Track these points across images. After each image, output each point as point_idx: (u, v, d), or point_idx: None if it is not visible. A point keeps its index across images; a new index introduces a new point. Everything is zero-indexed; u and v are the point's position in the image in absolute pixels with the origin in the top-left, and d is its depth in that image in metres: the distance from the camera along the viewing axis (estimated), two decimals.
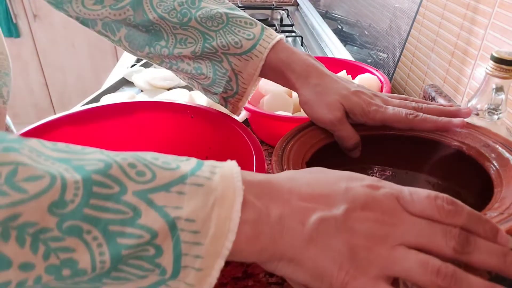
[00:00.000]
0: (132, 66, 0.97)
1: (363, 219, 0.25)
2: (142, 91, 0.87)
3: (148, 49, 0.48)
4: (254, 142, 0.47)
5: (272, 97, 0.68)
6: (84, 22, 0.49)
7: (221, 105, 0.52)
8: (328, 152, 0.43)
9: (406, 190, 0.27)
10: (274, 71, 0.47)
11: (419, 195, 0.26)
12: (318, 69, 0.45)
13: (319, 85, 0.44)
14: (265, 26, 0.47)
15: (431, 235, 0.25)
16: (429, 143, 0.41)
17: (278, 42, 0.46)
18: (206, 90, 0.51)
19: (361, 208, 0.26)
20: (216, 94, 0.50)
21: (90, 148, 0.23)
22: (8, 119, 0.58)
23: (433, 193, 0.26)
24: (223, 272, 0.44)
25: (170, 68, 0.51)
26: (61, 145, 0.23)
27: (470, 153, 0.38)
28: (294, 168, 0.37)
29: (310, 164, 0.39)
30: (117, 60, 1.58)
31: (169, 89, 0.84)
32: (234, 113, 0.52)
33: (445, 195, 0.26)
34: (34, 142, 0.22)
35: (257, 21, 0.47)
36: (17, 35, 1.88)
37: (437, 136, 0.41)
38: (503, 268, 0.25)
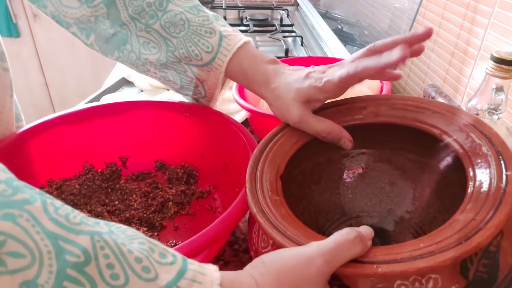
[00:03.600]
0: None
1: None
2: (142, 91, 0.87)
3: (118, 53, 0.50)
4: (249, 139, 0.48)
5: None
6: (59, 21, 0.50)
7: (195, 102, 0.55)
8: (303, 154, 0.42)
9: None
10: (238, 79, 0.49)
11: None
12: (275, 70, 0.45)
13: (277, 88, 0.44)
14: (223, 34, 0.47)
15: None
16: (404, 128, 0.40)
17: (237, 50, 0.47)
18: (178, 92, 0.54)
19: None
20: (187, 95, 0.53)
21: (89, 221, 0.23)
22: (20, 113, 0.58)
23: None
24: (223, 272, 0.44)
25: (141, 73, 0.53)
26: (64, 211, 0.23)
27: (442, 138, 0.37)
28: (268, 187, 0.36)
29: (285, 176, 0.38)
30: None
31: (169, 89, 0.84)
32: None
33: None
34: (38, 205, 0.22)
35: (216, 28, 0.47)
36: (17, 35, 1.87)
37: (416, 124, 0.39)
38: None
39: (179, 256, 0.26)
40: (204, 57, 0.47)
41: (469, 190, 0.31)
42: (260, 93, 0.46)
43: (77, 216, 0.23)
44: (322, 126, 0.41)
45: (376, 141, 0.44)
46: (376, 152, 0.45)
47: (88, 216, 0.47)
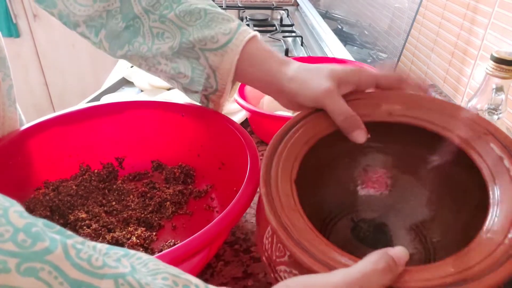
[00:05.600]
0: (132, 66, 0.97)
1: None
2: (142, 91, 0.87)
3: (127, 47, 0.50)
4: (246, 138, 0.48)
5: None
6: (67, 22, 0.50)
7: (203, 103, 0.53)
8: (316, 154, 0.40)
9: None
10: (252, 64, 0.47)
11: None
12: (289, 60, 0.46)
13: (304, 65, 0.44)
14: (242, 22, 0.48)
15: None
16: (415, 129, 0.40)
17: (254, 36, 0.47)
18: (186, 90, 0.52)
19: None
20: (197, 92, 0.51)
21: (111, 261, 0.23)
22: (23, 118, 0.58)
23: None
24: (223, 272, 0.44)
25: (149, 70, 0.52)
26: (86, 253, 0.22)
27: (460, 145, 0.37)
28: (285, 195, 0.34)
29: (299, 181, 0.36)
30: (117, 60, 1.58)
31: (169, 89, 0.84)
32: (216, 110, 0.54)
33: None
34: (59, 252, 0.21)
35: (234, 18, 0.48)
36: (17, 35, 1.88)
37: (430, 126, 0.39)
38: None
39: (202, 285, 0.25)
40: (221, 38, 0.46)
41: (491, 209, 0.31)
42: (280, 66, 0.45)
43: (99, 257, 0.22)
44: (345, 107, 0.40)
45: (385, 137, 0.44)
46: (382, 147, 0.45)
47: (86, 217, 0.47)
